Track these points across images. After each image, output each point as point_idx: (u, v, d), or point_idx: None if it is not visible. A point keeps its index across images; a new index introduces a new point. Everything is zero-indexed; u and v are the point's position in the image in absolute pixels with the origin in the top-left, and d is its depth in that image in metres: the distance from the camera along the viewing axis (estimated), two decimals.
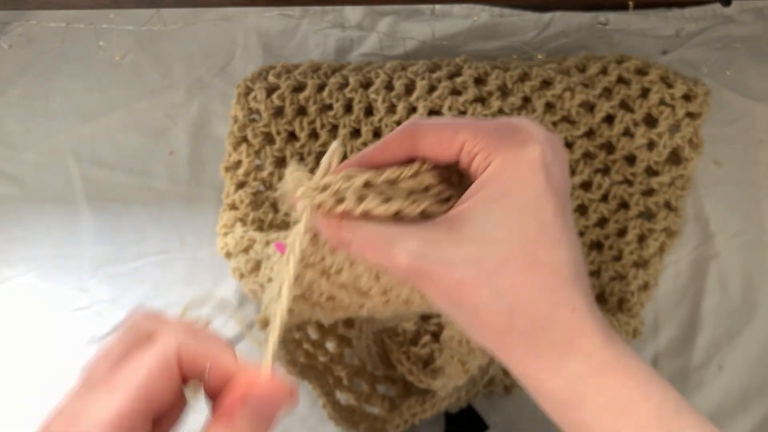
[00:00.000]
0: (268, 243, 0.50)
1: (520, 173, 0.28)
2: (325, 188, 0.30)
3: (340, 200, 0.30)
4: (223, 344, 0.29)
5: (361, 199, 0.30)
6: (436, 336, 0.50)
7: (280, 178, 0.54)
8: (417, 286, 0.30)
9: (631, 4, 0.56)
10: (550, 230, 0.28)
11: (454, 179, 0.32)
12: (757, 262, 0.56)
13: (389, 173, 0.31)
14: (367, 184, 0.30)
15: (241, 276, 0.52)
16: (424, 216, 0.30)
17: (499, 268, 0.27)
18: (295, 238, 0.32)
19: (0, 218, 0.60)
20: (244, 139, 0.54)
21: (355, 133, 0.54)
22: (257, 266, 0.50)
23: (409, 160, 0.32)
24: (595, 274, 0.54)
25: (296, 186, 0.30)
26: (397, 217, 0.30)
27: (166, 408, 0.26)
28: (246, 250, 0.51)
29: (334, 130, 0.54)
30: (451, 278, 0.27)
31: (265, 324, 0.39)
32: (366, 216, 0.30)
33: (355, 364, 0.52)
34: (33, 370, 0.56)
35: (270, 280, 0.47)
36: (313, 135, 0.54)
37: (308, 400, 0.55)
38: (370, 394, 0.51)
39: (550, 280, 0.28)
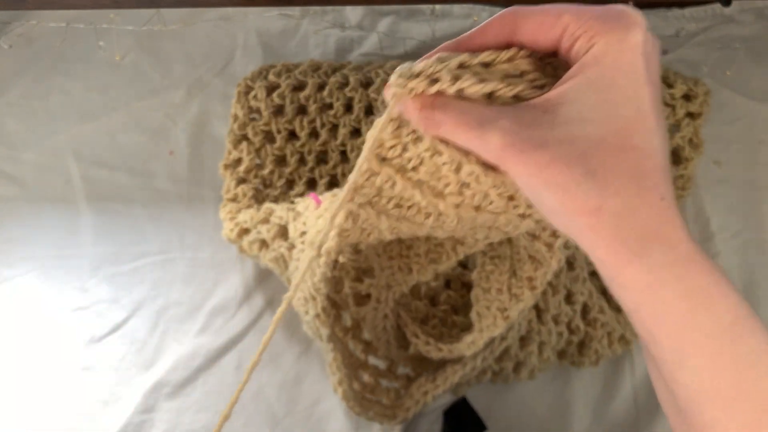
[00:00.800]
0: (293, 202, 0.49)
1: (623, 58, 0.28)
2: (419, 73, 0.29)
3: (434, 81, 0.29)
4: None
5: (455, 78, 0.29)
6: (466, 288, 0.50)
7: (281, 177, 0.54)
8: (506, 167, 0.29)
9: (630, 4, 0.56)
10: (647, 118, 0.28)
11: (549, 71, 0.32)
12: (757, 262, 0.56)
13: (484, 56, 0.30)
14: (461, 66, 0.30)
15: (261, 246, 0.51)
16: (518, 100, 0.30)
17: (592, 149, 0.27)
18: (377, 127, 0.31)
19: (0, 218, 0.60)
20: (245, 138, 0.54)
21: (355, 132, 0.54)
22: (282, 231, 0.50)
23: (507, 47, 0.32)
24: (595, 274, 0.54)
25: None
26: (490, 100, 0.30)
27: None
28: (265, 221, 0.51)
29: (334, 129, 0.54)
30: (543, 157, 0.27)
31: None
32: (459, 97, 0.29)
33: (359, 357, 0.52)
34: (33, 370, 0.56)
35: (303, 234, 0.47)
36: (314, 134, 0.54)
37: (309, 399, 0.55)
38: (375, 386, 0.51)
39: (642, 165, 0.27)
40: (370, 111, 0.54)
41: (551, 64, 0.32)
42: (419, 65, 0.30)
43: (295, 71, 0.54)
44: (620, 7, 0.30)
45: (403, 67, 0.30)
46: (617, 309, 0.53)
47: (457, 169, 0.32)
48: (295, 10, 0.60)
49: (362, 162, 0.34)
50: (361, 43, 0.60)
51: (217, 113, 0.60)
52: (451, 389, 0.53)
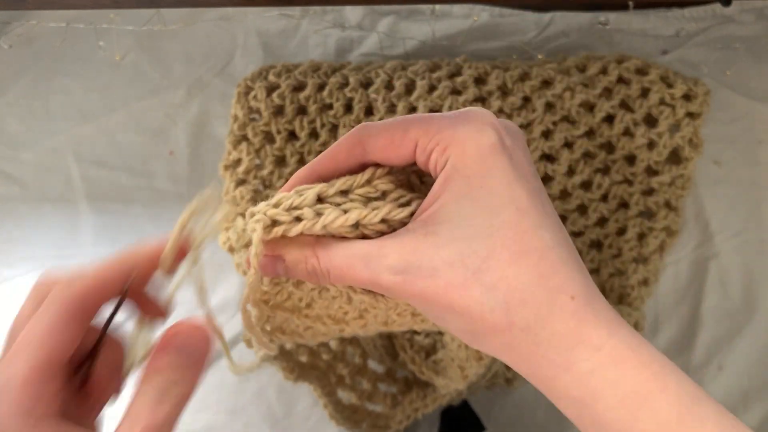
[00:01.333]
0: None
1: (483, 161, 0.27)
2: (277, 205, 0.29)
3: (297, 220, 0.28)
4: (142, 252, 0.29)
5: (319, 213, 0.28)
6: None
7: (280, 177, 0.54)
8: (404, 300, 0.28)
9: (631, 4, 0.56)
10: (529, 215, 0.26)
11: (414, 180, 0.31)
12: (757, 262, 0.56)
13: (341, 183, 0.29)
14: (320, 198, 0.29)
15: (231, 249, 0.52)
16: (389, 226, 0.29)
17: (485, 264, 0.26)
18: (248, 283, 0.31)
19: (0, 218, 0.60)
20: (244, 138, 0.54)
21: None
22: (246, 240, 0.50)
23: (362, 168, 0.31)
24: (594, 272, 0.54)
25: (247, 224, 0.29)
26: (361, 232, 0.29)
27: (84, 348, 0.27)
28: (249, 244, 0.51)
29: (334, 130, 0.54)
30: (438, 285, 0.26)
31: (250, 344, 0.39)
32: (325, 236, 0.29)
33: (357, 362, 0.52)
34: None
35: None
36: (313, 134, 0.54)
37: (308, 400, 0.55)
38: (372, 392, 0.51)
39: (543, 267, 0.26)
40: (370, 111, 0.54)
41: (416, 173, 0.31)
42: (276, 197, 0.29)
43: (295, 71, 0.54)
44: (465, 109, 0.29)
45: (258, 212, 0.29)
46: (612, 304, 0.53)
47: (349, 300, 0.32)
48: (295, 10, 0.60)
49: (250, 312, 0.33)
50: (361, 43, 0.60)
51: (217, 113, 0.60)
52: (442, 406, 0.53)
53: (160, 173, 0.60)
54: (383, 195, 0.30)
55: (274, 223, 0.29)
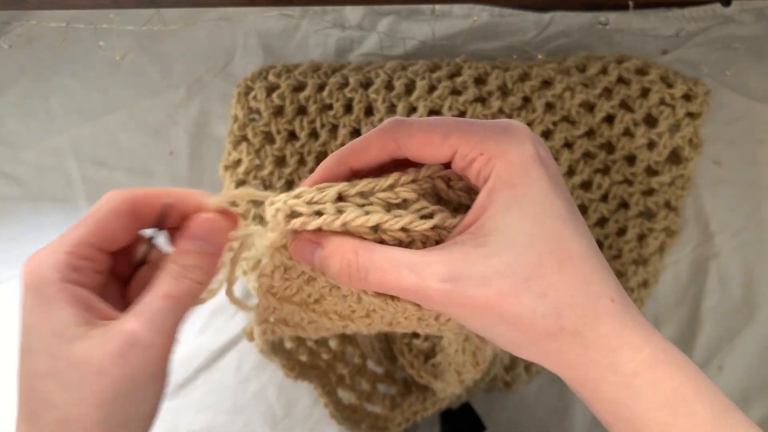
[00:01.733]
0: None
1: (527, 172, 0.28)
2: (298, 196, 0.29)
3: (318, 214, 0.28)
4: (193, 192, 0.32)
5: (340, 211, 0.28)
6: None
7: (280, 178, 0.54)
8: (452, 311, 0.28)
9: (631, 4, 0.56)
10: (569, 223, 0.28)
11: (440, 185, 0.31)
12: (757, 262, 0.56)
13: (363, 185, 0.29)
14: (340, 197, 0.29)
15: (244, 272, 0.52)
16: (408, 235, 0.29)
17: (535, 272, 0.27)
18: (264, 272, 0.31)
19: (0, 218, 0.60)
20: (244, 138, 0.54)
21: (355, 132, 0.54)
22: (258, 263, 0.50)
23: (393, 162, 0.31)
24: None
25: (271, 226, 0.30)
26: (379, 236, 0.29)
27: (122, 244, 0.32)
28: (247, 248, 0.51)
29: (334, 130, 0.54)
30: (489, 293, 0.27)
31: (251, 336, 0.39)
32: (369, 239, 0.29)
33: (357, 363, 0.52)
34: None
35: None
36: (313, 134, 0.54)
37: (309, 399, 0.55)
38: (372, 392, 0.51)
39: (585, 272, 0.27)
40: (370, 111, 0.54)
41: (442, 177, 0.31)
42: (297, 191, 0.29)
43: (294, 72, 0.54)
44: (505, 122, 0.30)
45: (278, 200, 0.29)
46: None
47: (359, 300, 0.32)
48: (295, 10, 0.60)
49: (260, 302, 0.34)
50: (361, 43, 0.60)
51: (217, 113, 0.60)
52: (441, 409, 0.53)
53: (160, 173, 0.60)
54: (404, 203, 0.30)
55: (293, 214, 0.29)
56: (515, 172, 0.28)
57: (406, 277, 0.27)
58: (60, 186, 0.60)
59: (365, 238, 0.29)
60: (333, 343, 0.51)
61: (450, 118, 0.30)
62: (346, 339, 0.51)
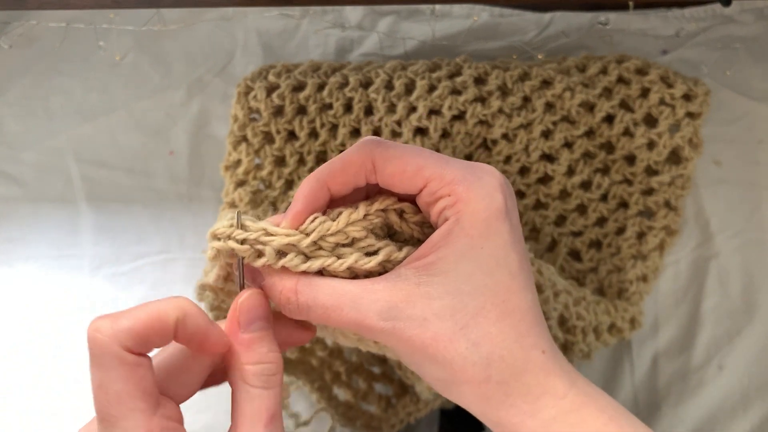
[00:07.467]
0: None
1: (489, 225, 0.28)
2: (244, 241, 0.29)
3: (259, 254, 0.29)
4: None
5: (281, 253, 0.29)
6: None
7: (280, 177, 0.54)
8: (388, 344, 0.29)
9: (631, 4, 0.56)
10: (518, 277, 0.29)
11: (393, 218, 0.32)
12: (757, 262, 0.56)
13: (314, 235, 0.29)
14: (289, 245, 0.29)
15: None
16: (352, 274, 0.30)
17: (473, 320, 0.28)
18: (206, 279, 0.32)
19: (0, 218, 0.60)
20: (244, 138, 0.54)
21: (355, 132, 0.54)
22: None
23: (368, 186, 0.31)
24: (593, 271, 0.54)
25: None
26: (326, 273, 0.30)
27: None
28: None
29: (333, 130, 0.54)
30: (425, 334, 0.27)
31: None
32: (309, 272, 0.29)
33: (354, 361, 0.52)
34: (33, 370, 0.56)
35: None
36: (313, 134, 0.54)
37: (308, 400, 0.55)
38: (367, 391, 0.52)
39: (522, 326, 0.28)
40: (369, 111, 0.54)
41: (395, 210, 0.31)
42: (245, 232, 0.29)
43: (294, 71, 0.54)
44: (480, 168, 0.30)
45: (221, 236, 0.29)
46: (610, 299, 0.53)
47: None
48: (295, 10, 0.60)
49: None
50: (361, 43, 0.60)
51: (217, 113, 0.60)
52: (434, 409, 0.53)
53: (160, 173, 0.60)
54: (352, 242, 0.30)
55: (234, 252, 0.29)
56: (477, 223, 0.28)
57: (347, 313, 0.28)
58: (60, 186, 0.60)
59: (306, 271, 0.29)
60: (330, 340, 0.51)
61: (427, 151, 0.30)
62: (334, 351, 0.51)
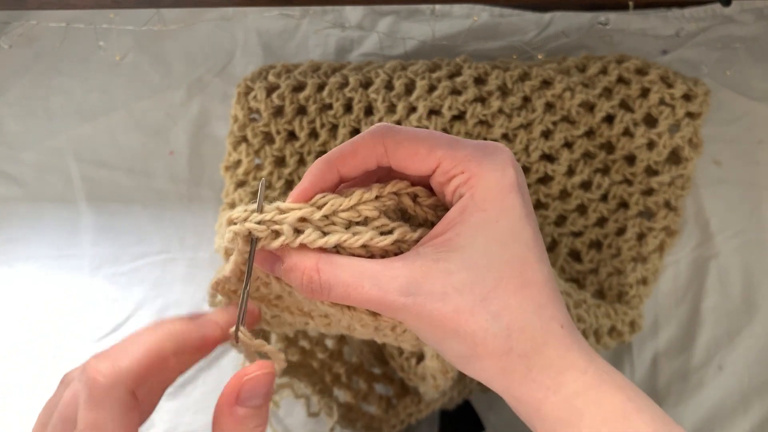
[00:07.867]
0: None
1: (504, 201, 0.29)
2: (261, 222, 0.29)
3: (276, 234, 0.29)
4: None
5: (298, 231, 0.29)
6: None
7: (279, 178, 0.54)
8: (409, 321, 0.29)
9: (631, 4, 0.56)
10: (534, 250, 0.29)
11: (407, 202, 0.32)
12: (757, 262, 0.56)
13: (326, 208, 0.30)
14: (303, 219, 0.30)
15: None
16: (367, 251, 0.30)
17: (492, 292, 0.28)
18: (220, 273, 0.32)
19: (0, 218, 0.60)
20: (244, 139, 0.54)
21: (355, 132, 0.54)
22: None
23: (380, 169, 0.31)
24: (593, 272, 0.54)
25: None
26: (346, 250, 0.30)
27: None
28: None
29: (333, 130, 0.54)
30: (446, 309, 0.28)
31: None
32: (330, 251, 0.29)
33: (354, 362, 0.52)
34: (33, 370, 0.56)
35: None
36: (313, 134, 0.54)
37: (304, 407, 0.55)
38: (368, 392, 0.52)
39: (540, 297, 0.28)
40: (369, 111, 0.54)
41: (409, 194, 0.32)
42: (251, 227, 0.29)
43: (294, 72, 0.54)
44: (491, 145, 0.30)
45: (237, 220, 0.29)
46: (610, 302, 0.53)
47: (315, 304, 0.33)
48: (295, 10, 0.60)
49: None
50: (361, 43, 0.60)
51: (217, 113, 0.60)
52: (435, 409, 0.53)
53: (160, 173, 0.60)
54: (366, 221, 0.30)
55: (251, 235, 0.29)
56: (491, 197, 0.29)
57: (368, 290, 0.28)
58: (60, 186, 0.60)
59: (325, 250, 0.29)
60: (330, 342, 0.51)
61: (437, 132, 0.31)
62: (343, 338, 0.51)
